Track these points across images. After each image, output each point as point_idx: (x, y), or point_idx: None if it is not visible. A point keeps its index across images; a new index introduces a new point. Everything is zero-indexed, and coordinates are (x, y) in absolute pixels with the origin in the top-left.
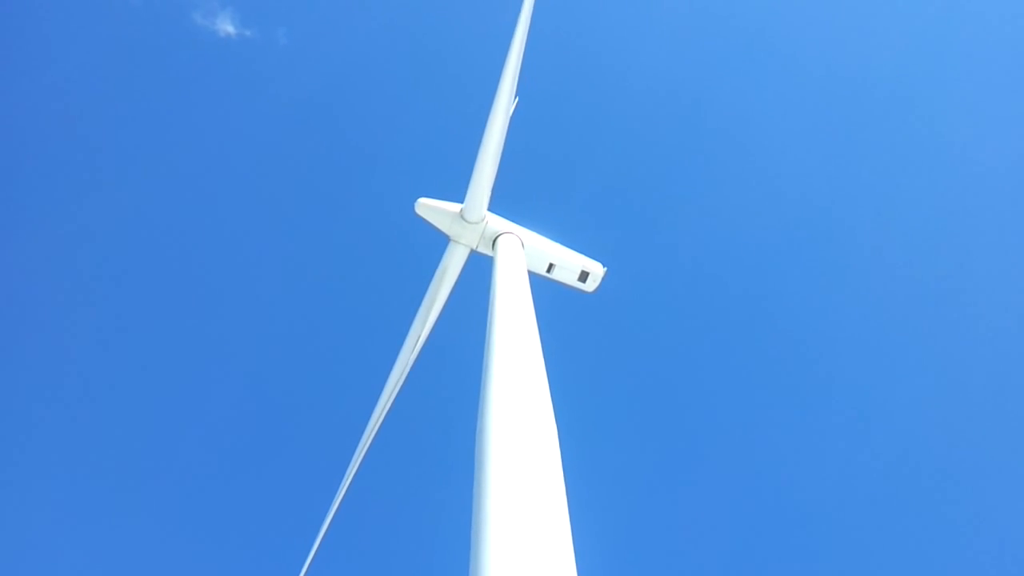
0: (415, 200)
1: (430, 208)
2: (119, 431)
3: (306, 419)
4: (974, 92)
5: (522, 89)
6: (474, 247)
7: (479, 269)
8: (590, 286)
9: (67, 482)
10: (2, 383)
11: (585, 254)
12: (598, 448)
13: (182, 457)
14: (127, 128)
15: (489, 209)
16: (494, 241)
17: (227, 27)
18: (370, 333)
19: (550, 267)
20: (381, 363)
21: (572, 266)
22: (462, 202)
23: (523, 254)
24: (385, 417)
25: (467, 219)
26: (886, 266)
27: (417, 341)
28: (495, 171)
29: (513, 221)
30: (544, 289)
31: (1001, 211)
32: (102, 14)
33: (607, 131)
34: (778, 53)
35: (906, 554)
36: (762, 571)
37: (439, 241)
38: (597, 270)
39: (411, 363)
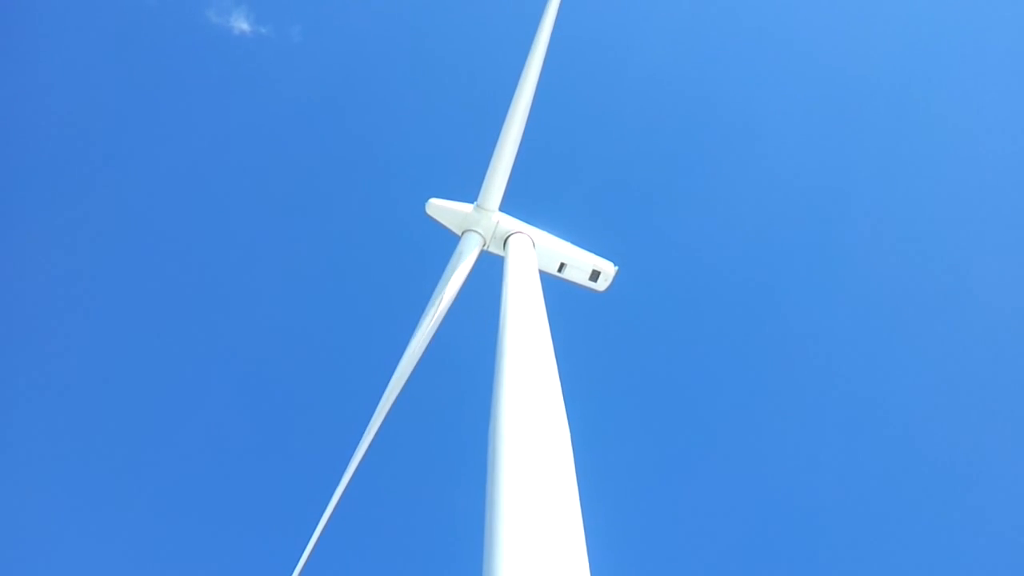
0: (426, 200)
1: (441, 208)
2: (126, 428)
3: (315, 417)
4: (976, 91)
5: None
6: (485, 247)
7: (490, 269)
8: (601, 285)
9: (73, 480)
10: (3, 383)
11: (596, 253)
12: (610, 447)
13: (193, 453)
14: (141, 126)
15: (500, 209)
16: (505, 241)
17: (241, 24)
18: (380, 333)
19: (561, 266)
20: (391, 363)
21: (583, 265)
22: (473, 202)
23: (534, 254)
24: (395, 415)
25: (482, 206)
26: (900, 261)
27: (424, 340)
28: (512, 163)
29: (524, 221)
30: (555, 288)
31: (1003, 211)
32: (115, 11)
33: (619, 130)
34: (788, 52)
35: (911, 554)
36: (775, 570)
37: (450, 241)
38: (609, 269)
39: (417, 360)
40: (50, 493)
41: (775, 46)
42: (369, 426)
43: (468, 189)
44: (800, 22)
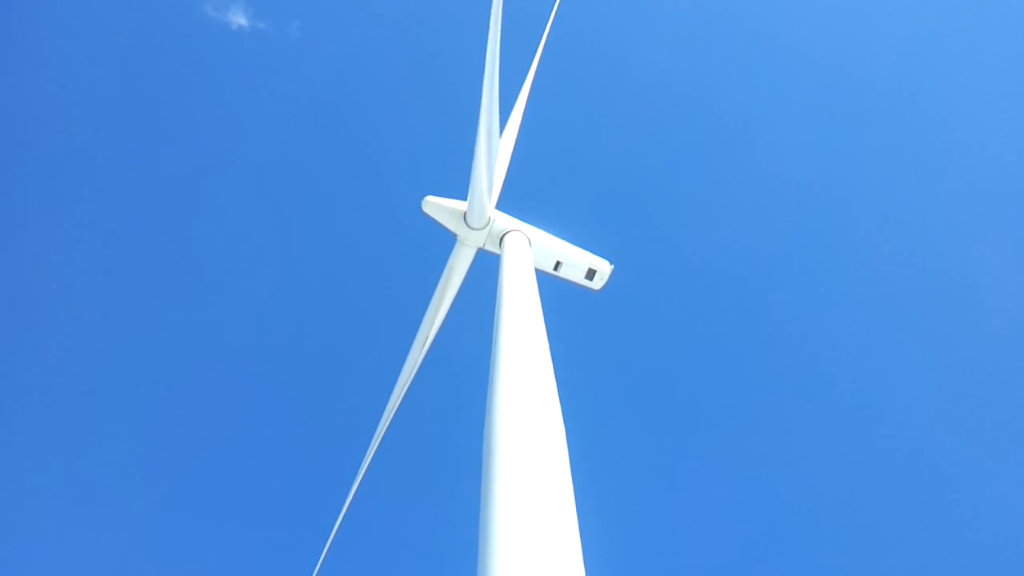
0: (423, 198)
1: (437, 206)
2: (134, 433)
3: (316, 419)
4: (976, 92)
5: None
6: (481, 245)
7: (486, 267)
8: (597, 284)
9: (81, 484)
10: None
11: (592, 252)
12: (605, 446)
13: (194, 461)
14: (138, 121)
15: (496, 207)
16: (501, 239)
17: (239, 19)
18: (378, 332)
19: (557, 265)
20: (390, 361)
21: (579, 264)
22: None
23: (530, 252)
24: (395, 416)
25: (470, 225)
26: (893, 262)
27: (426, 340)
28: (493, 174)
29: (520, 219)
30: (551, 287)
31: (1002, 211)
32: (113, 5)
33: (615, 129)
34: (784, 52)
35: (908, 554)
36: (768, 570)
37: (447, 239)
38: (604, 268)
39: (420, 362)
40: (64, 497)
41: (772, 46)
42: (376, 433)
43: (467, 187)
44: (796, 22)
